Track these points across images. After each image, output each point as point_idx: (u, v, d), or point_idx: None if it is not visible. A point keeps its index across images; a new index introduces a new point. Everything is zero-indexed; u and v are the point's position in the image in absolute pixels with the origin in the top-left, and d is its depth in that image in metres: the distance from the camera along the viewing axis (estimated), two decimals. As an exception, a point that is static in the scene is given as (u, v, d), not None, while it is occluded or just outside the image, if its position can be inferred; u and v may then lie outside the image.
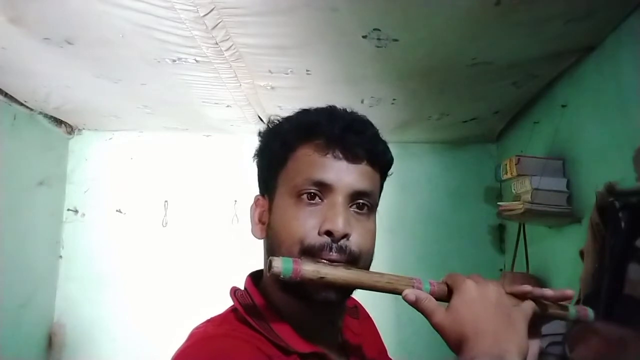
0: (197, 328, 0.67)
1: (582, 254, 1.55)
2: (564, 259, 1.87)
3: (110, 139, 2.75)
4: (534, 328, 0.66)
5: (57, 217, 2.64)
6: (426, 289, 0.63)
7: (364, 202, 0.68)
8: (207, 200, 2.65)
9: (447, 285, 0.64)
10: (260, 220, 0.73)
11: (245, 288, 0.72)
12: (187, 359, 0.61)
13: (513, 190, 1.96)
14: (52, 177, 2.57)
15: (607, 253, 1.38)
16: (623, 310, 1.25)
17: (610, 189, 1.41)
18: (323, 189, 0.67)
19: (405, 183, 2.67)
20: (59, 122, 2.58)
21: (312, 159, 0.68)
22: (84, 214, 2.69)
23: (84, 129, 2.74)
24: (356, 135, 0.68)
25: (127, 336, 2.55)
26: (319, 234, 0.65)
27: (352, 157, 0.68)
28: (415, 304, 0.61)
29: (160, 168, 2.72)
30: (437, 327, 0.60)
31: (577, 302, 1.39)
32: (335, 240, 0.64)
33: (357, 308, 0.85)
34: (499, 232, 2.62)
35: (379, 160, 0.71)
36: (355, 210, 0.68)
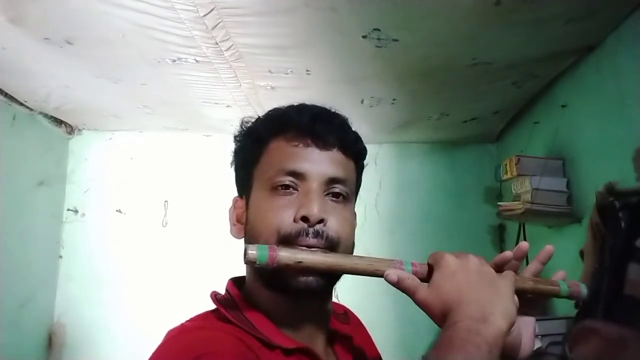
0: (174, 327, 0.66)
1: (582, 254, 1.55)
2: (564, 259, 1.87)
3: (110, 139, 2.75)
4: (526, 307, 0.66)
5: (57, 217, 2.64)
6: (408, 270, 0.63)
7: (339, 191, 0.69)
8: (207, 200, 2.65)
9: (429, 265, 0.63)
10: (238, 221, 0.74)
11: (226, 290, 0.72)
12: (165, 352, 0.60)
13: (513, 190, 1.96)
14: (52, 177, 2.57)
15: (607, 253, 1.38)
16: (623, 310, 1.25)
17: (610, 189, 1.41)
18: (297, 178, 0.67)
19: (405, 183, 2.67)
20: (59, 122, 2.57)
21: (283, 150, 0.69)
22: (84, 214, 2.69)
23: (83, 129, 2.74)
24: (325, 124, 0.69)
25: (127, 336, 2.55)
26: (294, 221, 0.65)
27: (322, 144, 0.69)
28: (397, 284, 0.61)
29: (160, 168, 2.72)
30: (420, 304, 0.60)
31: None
32: (311, 225, 0.65)
33: (348, 314, 0.83)
34: (499, 232, 2.62)
35: (350, 147, 0.72)
36: (331, 198, 0.68)
